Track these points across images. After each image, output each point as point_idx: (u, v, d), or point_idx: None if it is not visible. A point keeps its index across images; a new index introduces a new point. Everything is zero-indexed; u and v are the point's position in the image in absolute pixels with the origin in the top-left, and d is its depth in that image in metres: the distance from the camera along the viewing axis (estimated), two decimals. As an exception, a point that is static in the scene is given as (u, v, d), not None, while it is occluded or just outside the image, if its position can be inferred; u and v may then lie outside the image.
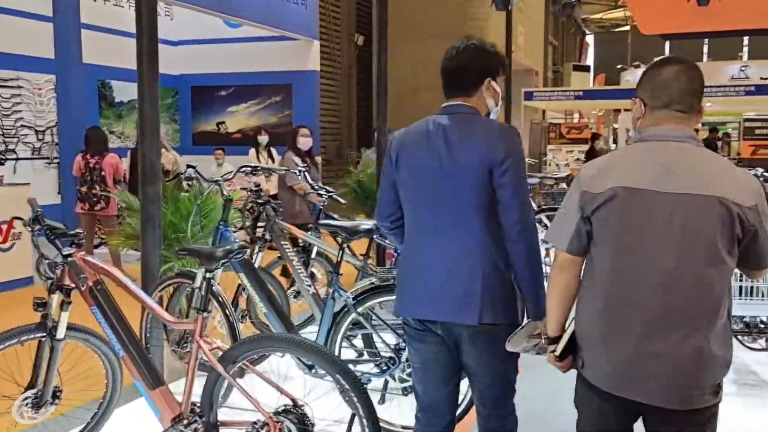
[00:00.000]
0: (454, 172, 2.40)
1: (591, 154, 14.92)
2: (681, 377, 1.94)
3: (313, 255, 5.29)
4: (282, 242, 4.33)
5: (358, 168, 7.95)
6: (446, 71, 2.53)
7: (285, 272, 6.05)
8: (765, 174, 6.81)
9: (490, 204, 2.39)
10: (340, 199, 6.03)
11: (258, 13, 10.91)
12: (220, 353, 2.86)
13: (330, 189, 5.81)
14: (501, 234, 2.40)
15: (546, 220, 7.78)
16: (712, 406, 2.01)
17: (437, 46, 18.29)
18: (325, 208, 6.19)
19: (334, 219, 5.75)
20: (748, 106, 21.33)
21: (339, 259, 3.82)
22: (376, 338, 3.72)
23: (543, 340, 2.25)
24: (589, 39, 45.79)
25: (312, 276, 5.54)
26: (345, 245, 3.83)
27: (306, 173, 5.80)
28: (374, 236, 4.08)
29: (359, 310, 3.64)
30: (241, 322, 4.70)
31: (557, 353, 2.16)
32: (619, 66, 33.54)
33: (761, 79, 21.82)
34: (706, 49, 40.67)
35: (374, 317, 3.74)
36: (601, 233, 2.02)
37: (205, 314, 2.89)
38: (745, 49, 40.07)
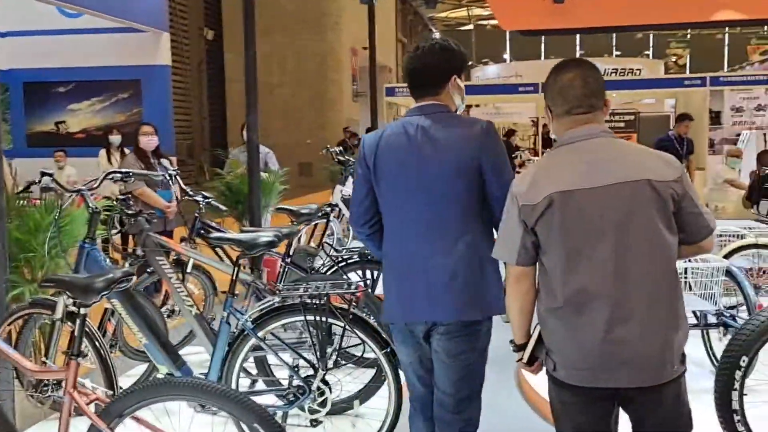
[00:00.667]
0: (443, 172, 2.43)
1: (508, 149, 15.00)
2: (650, 357, 2.03)
3: (189, 268, 4.70)
4: (158, 258, 3.74)
5: (225, 168, 7.37)
6: (412, 72, 2.55)
7: (149, 289, 5.33)
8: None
9: (481, 201, 2.46)
10: (220, 205, 5.42)
11: (98, 1, 9.90)
12: (102, 406, 2.29)
13: (207, 194, 5.19)
14: (484, 233, 2.49)
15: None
16: (681, 374, 2.12)
17: (291, 42, 17.73)
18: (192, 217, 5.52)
19: (212, 227, 5.18)
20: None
21: (234, 278, 3.29)
22: (281, 365, 3.24)
23: (511, 347, 2.33)
24: (436, 37, 46.90)
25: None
26: (240, 261, 3.31)
27: (178, 177, 5.16)
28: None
29: (260, 334, 3.15)
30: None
31: (525, 360, 2.26)
32: (469, 63, 34.60)
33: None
34: (543, 47, 42.99)
35: (274, 340, 3.27)
36: (547, 240, 2.09)
37: (79, 359, 2.30)
38: (578, 47, 42.76)
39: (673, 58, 36.19)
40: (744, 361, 2.93)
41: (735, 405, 2.95)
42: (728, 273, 4.12)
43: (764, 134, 10.61)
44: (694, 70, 30.47)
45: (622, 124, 14.20)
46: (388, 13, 27.89)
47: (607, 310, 2.02)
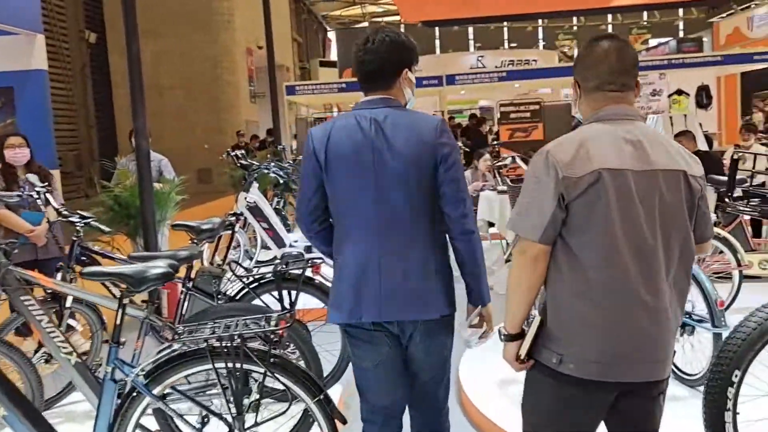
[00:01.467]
0: (398, 167, 2.36)
1: (477, 136, 14.58)
2: (661, 348, 1.97)
3: (69, 303, 3.96)
4: (22, 297, 3.00)
5: (113, 180, 6.55)
6: (362, 65, 2.46)
7: (21, 331, 4.45)
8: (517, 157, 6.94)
9: (434, 198, 2.40)
10: (102, 227, 4.61)
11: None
12: None
13: (86, 214, 4.38)
14: (442, 227, 2.43)
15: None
16: None
17: (181, 43, 16.67)
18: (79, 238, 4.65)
19: (95, 252, 4.40)
20: (481, 94, 22.60)
21: (119, 321, 2.61)
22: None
23: (501, 336, 2.12)
24: (331, 35, 46.38)
25: (69, 329, 4.18)
26: (124, 300, 2.63)
27: (49, 195, 4.34)
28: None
29: (156, 391, 2.49)
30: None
31: (523, 354, 2.06)
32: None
33: (496, 67, 23.24)
34: (438, 42, 43.27)
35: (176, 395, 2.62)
36: (585, 219, 1.92)
37: None
38: (471, 41, 43.35)
39: (565, 49, 37.05)
40: (737, 376, 2.54)
41: (729, 428, 2.54)
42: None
43: (670, 117, 10.62)
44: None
45: (527, 114, 14.03)
46: (282, 12, 27.11)
47: (643, 300, 1.91)
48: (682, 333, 3.79)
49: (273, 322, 2.49)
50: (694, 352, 3.82)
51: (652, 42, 38.07)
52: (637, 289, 1.91)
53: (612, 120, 1.99)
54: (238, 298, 3.96)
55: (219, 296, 3.93)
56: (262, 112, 21.56)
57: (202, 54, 20.12)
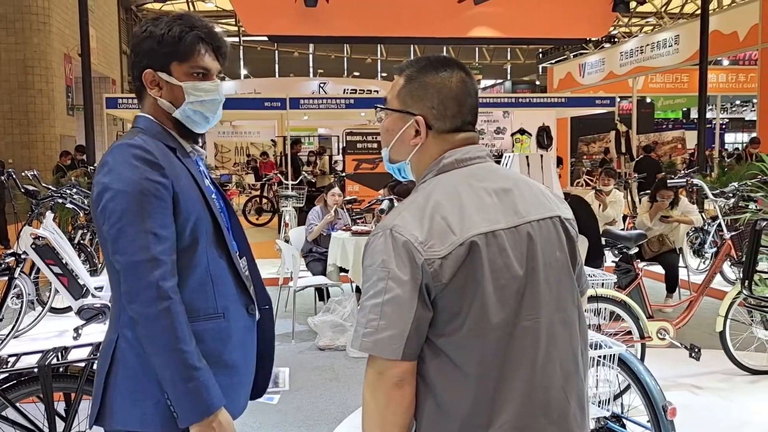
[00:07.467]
0: None
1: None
2: None
3: None
4: None
5: None
6: None
7: None
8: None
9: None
10: None
11: None
12: None
13: None
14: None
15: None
16: None
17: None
18: None
19: None
20: (324, 121, 21.82)
21: None
22: None
23: None
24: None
25: None
26: None
27: None
28: None
29: None
30: None
31: None
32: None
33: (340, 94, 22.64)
34: (277, 66, 42.31)
35: None
36: (458, 310, 1.36)
37: None
38: (311, 67, 42.92)
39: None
40: None
41: None
42: (620, 361, 2.86)
43: (527, 157, 10.17)
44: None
45: (375, 145, 13.23)
46: (109, 20, 24.89)
47: (550, 399, 1.40)
48: (607, 442, 2.89)
49: None
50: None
51: (483, 83, 39.72)
52: (549, 390, 1.41)
53: (461, 166, 1.49)
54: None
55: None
56: (82, 127, 19.37)
57: (7, 58, 17.64)
